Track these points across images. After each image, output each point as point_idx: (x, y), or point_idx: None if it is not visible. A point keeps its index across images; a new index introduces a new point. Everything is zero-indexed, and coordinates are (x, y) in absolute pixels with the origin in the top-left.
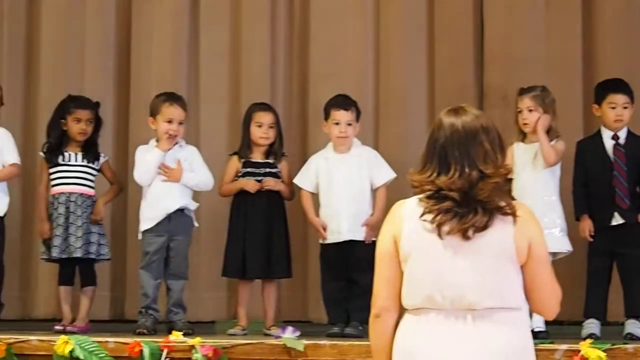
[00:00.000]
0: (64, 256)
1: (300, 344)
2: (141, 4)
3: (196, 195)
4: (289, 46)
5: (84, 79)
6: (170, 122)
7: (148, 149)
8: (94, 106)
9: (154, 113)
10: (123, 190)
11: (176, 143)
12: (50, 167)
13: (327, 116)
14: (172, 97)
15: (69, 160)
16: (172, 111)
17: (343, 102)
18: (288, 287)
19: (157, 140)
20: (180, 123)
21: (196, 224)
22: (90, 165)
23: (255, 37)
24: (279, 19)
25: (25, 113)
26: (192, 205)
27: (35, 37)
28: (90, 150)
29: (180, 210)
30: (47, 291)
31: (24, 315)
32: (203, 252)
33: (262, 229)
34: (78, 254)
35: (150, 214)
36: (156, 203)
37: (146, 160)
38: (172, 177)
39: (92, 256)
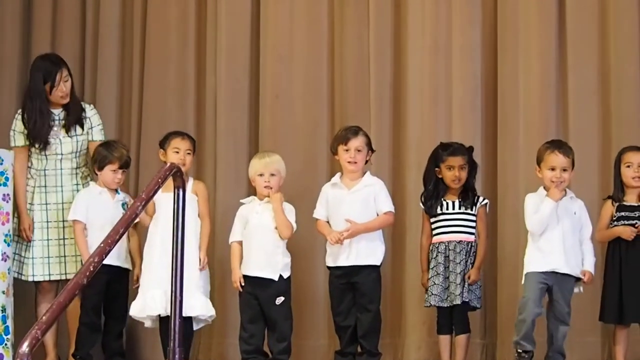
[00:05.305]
0: (445, 305)
1: None
2: (506, 43)
3: None
4: None
5: (452, 123)
6: (552, 169)
7: (539, 197)
8: (467, 152)
9: (538, 161)
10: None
11: (565, 194)
12: (431, 217)
13: None
14: (553, 145)
15: (447, 209)
16: (554, 158)
17: None
18: None
19: (545, 189)
20: (564, 170)
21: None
22: (469, 212)
23: (625, 77)
24: None
25: (394, 158)
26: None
27: (402, 80)
28: (467, 196)
29: None
30: (417, 338)
31: None
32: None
33: (638, 274)
34: (457, 301)
35: (537, 260)
36: (545, 258)
37: (539, 210)
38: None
39: (472, 304)
